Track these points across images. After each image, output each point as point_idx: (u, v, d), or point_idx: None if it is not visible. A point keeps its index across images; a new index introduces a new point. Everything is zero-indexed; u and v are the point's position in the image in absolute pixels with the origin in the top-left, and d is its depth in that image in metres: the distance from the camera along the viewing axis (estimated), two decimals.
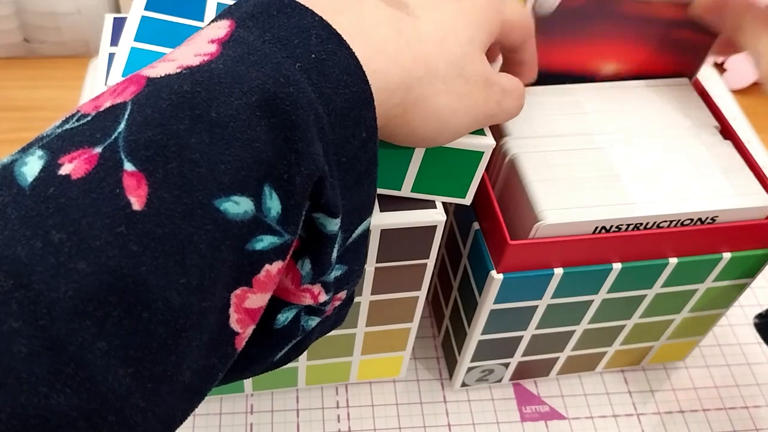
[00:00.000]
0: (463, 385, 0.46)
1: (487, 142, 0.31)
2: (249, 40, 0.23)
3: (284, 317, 0.26)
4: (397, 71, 0.26)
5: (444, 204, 0.34)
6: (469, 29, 0.29)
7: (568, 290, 0.37)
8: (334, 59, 0.23)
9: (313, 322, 0.28)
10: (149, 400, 0.20)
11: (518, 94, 0.32)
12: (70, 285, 0.18)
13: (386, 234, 0.33)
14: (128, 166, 0.19)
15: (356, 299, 0.38)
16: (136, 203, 0.19)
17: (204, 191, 0.20)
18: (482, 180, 0.36)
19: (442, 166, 0.32)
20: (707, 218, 0.36)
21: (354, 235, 0.27)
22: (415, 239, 0.34)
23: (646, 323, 0.42)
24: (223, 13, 0.25)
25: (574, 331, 0.42)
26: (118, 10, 0.64)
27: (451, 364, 0.46)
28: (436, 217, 0.33)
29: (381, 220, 0.33)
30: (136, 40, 0.32)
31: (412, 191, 0.33)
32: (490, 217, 0.36)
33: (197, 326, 0.20)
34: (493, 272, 0.35)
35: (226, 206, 0.20)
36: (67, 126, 0.21)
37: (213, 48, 0.22)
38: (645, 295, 0.39)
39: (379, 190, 0.33)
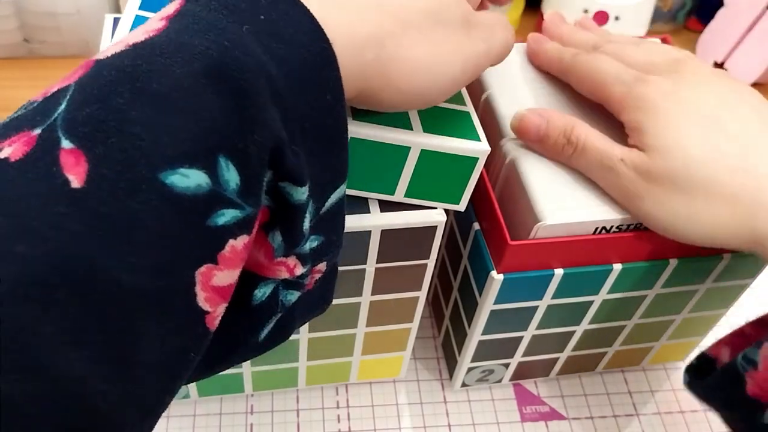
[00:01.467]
0: (463, 385, 0.46)
1: (481, 148, 0.31)
2: (195, 11, 0.22)
3: (261, 293, 0.26)
4: (363, 24, 0.24)
5: None
6: None
7: (569, 291, 0.37)
8: (286, 19, 0.22)
9: (293, 296, 0.27)
10: (109, 383, 0.19)
11: (503, 25, 0.31)
12: (9, 269, 0.17)
13: (386, 234, 0.33)
14: (65, 144, 0.19)
15: (356, 299, 0.38)
16: (75, 181, 0.18)
17: (147, 165, 0.19)
18: (482, 180, 0.36)
19: (437, 172, 0.32)
20: None
21: (328, 204, 0.26)
22: (415, 239, 0.34)
23: (647, 323, 0.42)
24: None
25: (574, 332, 0.42)
26: (118, 10, 0.64)
27: (451, 365, 0.46)
28: (436, 217, 0.33)
29: (381, 220, 0.33)
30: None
31: (405, 196, 0.33)
32: (490, 218, 0.36)
33: (155, 306, 0.20)
34: (494, 272, 0.35)
35: (172, 179, 0.19)
36: (16, 114, 0.20)
37: (161, 24, 0.22)
38: (645, 296, 0.39)
39: (373, 195, 0.33)
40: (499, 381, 0.46)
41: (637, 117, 0.33)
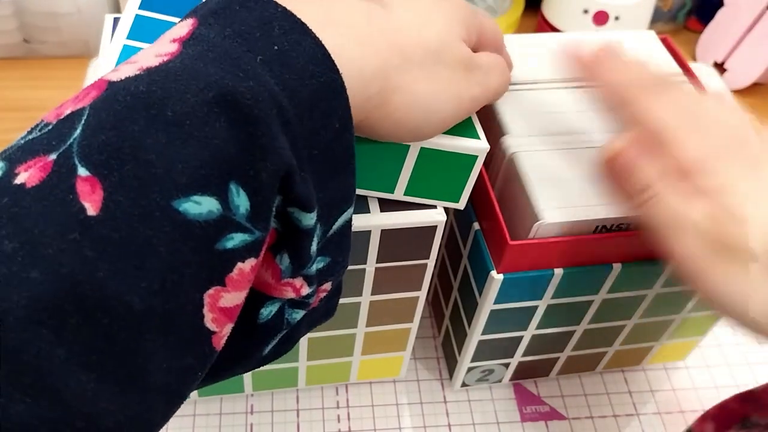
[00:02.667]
0: (463, 385, 0.46)
1: (481, 146, 0.31)
2: (209, 37, 0.22)
3: (267, 311, 0.26)
4: (372, 59, 0.25)
5: None
6: (446, 19, 0.29)
7: (568, 290, 0.37)
8: (298, 49, 0.23)
9: (298, 315, 0.27)
10: (118, 403, 0.20)
11: (500, 70, 0.32)
12: (22, 294, 0.18)
13: (386, 234, 0.33)
14: (82, 171, 0.19)
15: (356, 299, 0.38)
16: (91, 208, 0.19)
17: (161, 192, 0.20)
18: (482, 179, 0.36)
19: (436, 170, 0.32)
20: None
21: (335, 227, 0.26)
22: (415, 239, 0.34)
23: (646, 323, 0.42)
24: (189, 12, 0.24)
25: (574, 332, 0.42)
26: (118, 10, 0.64)
27: (451, 364, 0.46)
28: (436, 217, 0.33)
29: (381, 220, 0.33)
30: (128, 38, 0.32)
31: (405, 194, 0.33)
32: (490, 217, 0.36)
33: (162, 328, 0.20)
34: (493, 272, 0.35)
35: (185, 207, 0.20)
36: (30, 136, 0.21)
37: (174, 47, 0.22)
38: (645, 295, 0.39)
39: (373, 193, 0.33)
40: (499, 381, 0.46)
41: None
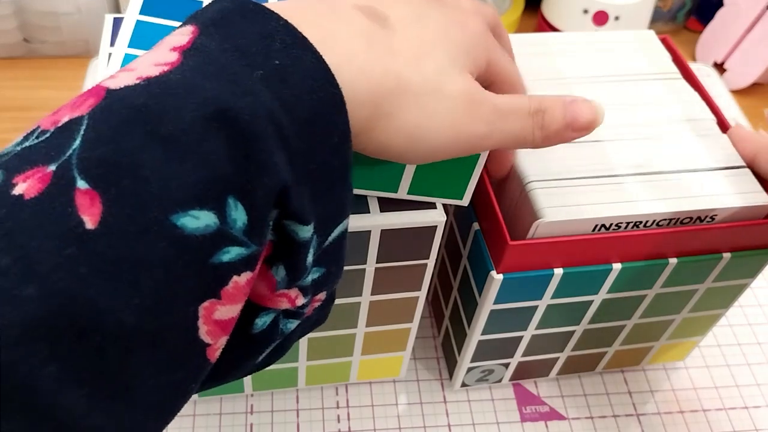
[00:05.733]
0: (463, 385, 0.46)
1: None
2: (209, 49, 0.22)
3: (262, 322, 0.26)
4: (365, 83, 0.25)
5: (444, 204, 0.34)
6: (452, 49, 0.28)
7: (568, 290, 0.37)
8: (298, 65, 0.23)
9: (292, 324, 0.27)
10: (109, 417, 0.20)
11: (521, 115, 0.29)
12: (16, 312, 0.18)
13: (386, 234, 0.33)
14: (81, 184, 0.19)
15: (356, 299, 0.38)
16: (89, 222, 0.19)
17: (159, 208, 0.20)
18: (482, 180, 0.36)
19: (439, 168, 0.32)
20: (706, 216, 0.36)
21: (330, 238, 0.26)
22: (415, 239, 0.34)
23: (646, 323, 0.42)
24: (189, 17, 0.24)
25: (574, 332, 0.42)
26: (118, 10, 0.64)
27: (451, 364, 0.46)
28: (436, 217, 0.33)
29: (381, 220, 0.33)
30: (130, 45, 0.32)
31: (408, 193, 0.33)
32: (490, 217, 0.36)
33: (156, 343, 0.20)
34: (493, 272, 0.35)
35: (183, 221, 0.20)
36: (27, 143, 0.21)
37: (174, 57, 0.22)
38: (645, 295, 0.40)
39: (377, 193, 0.33)
40: (499, 381, 0.46)
41: None
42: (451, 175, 0.32)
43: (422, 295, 0.39)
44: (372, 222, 0.33)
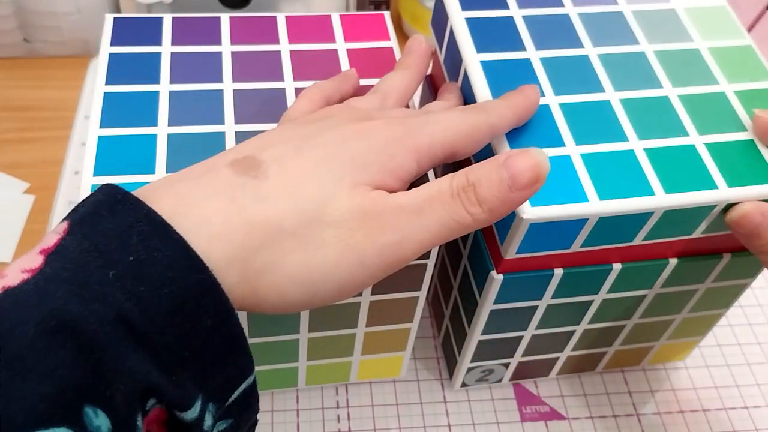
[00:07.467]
0: (463, 385, 0.46)
1: None
2: (68, 251, 0.22)
3: None
4: (222, 248, 0.23)
5: None
6: (344, 165, 0.26)
7: (568, 290, 0.37)
8: (155, 257, 0.22)
9: None
10: None
11: (441, 200, 0.26)
12: None
13: None
14: None
15: (356, 299, 0.38)
16: None
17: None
18: None
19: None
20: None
21: (234, 397, 0.25)
22: None
23: (646, 323, 0.42)
24: (70, 211, 0.24)
25: (574, 332, 0.42)
26: (118, 10, 0.64)
27: (451, 364, 0.46)
28: None
29: None
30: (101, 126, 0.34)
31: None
32: None
33: None
34: (493, 272, 0.35)
35: None
36: None
37: (38, 262, 0.22)
38: (645, 296, 0.40)
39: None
40: (499, 381, 0.46)
41: None
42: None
43: (422, 295, 0.39)
44: None
